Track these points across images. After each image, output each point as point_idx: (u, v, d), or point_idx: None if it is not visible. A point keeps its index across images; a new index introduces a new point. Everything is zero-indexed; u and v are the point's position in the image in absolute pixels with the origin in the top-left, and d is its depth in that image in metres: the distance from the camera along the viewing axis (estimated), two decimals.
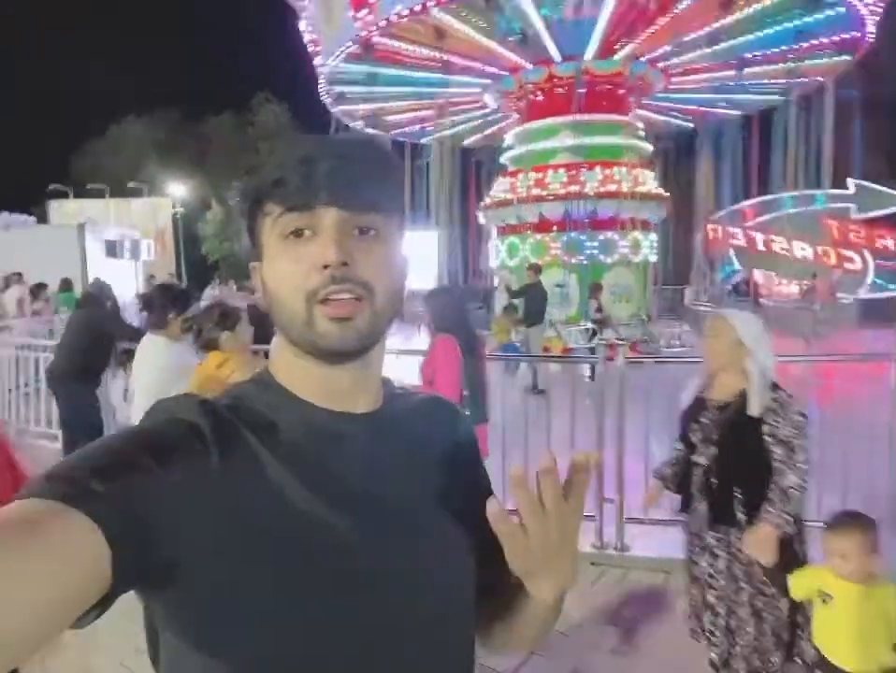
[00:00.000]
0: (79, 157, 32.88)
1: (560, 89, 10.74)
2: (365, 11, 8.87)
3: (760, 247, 17.11)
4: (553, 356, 7.57)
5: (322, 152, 0.60)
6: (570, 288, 11.01)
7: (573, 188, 10.65)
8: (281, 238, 0.61)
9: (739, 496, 2.11)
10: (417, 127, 13.94)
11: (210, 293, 9.96)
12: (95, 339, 4.31)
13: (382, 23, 8.89)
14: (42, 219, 15.69)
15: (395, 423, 0.69)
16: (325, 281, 0.59)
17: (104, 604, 0.48)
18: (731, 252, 17.33)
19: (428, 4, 8.31)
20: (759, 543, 2.03)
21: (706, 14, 8.94)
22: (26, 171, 30.67)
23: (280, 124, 31.14)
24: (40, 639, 0.43)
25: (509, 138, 12.14)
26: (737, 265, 17.45)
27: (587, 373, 5.76)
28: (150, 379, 2.70)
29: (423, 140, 15.79)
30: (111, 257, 15.30)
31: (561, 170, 10.83)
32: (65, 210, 24.47)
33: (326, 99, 11.74)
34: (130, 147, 32.39)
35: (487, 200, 12.03)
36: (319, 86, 11.10)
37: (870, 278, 16.03)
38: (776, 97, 12.43)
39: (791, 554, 2.08)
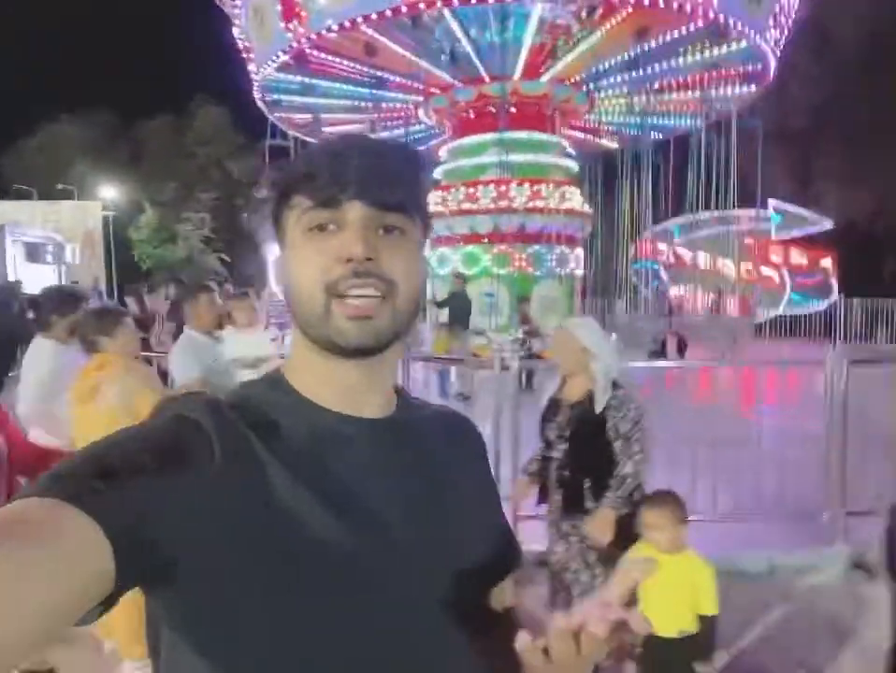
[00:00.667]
0: (8, 158, 31.35)
1: (490, 107, 11.11)
2: (295, 23, 9.00)
3: (687, 263, 18.08)
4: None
5: (353, 150, 0.60)
6: (500, 298, 11.35)
7: (502, 203, 11.01)
8: (305, 231, 0.61)
9: (588, 486, 2.38)
10: None
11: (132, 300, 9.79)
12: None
13: (313, 36, 9.03)
14: None
15: (406, 432, 0.67)
16: (346, 274, 0.58)
17: (108, 602, 0.48)
18: (660, 268, 18.23)
19: (358, 21, 8.50)
20: (598, 525, 2.28)
21: (622, 42, 9.50)
22: None
23: (219, 128, 30.62)
24: (41, 639, 0.43)
25: (442, 153, 12.45)
26: (665, 280, 18.35)
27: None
28: (35, 382, 2.75)
29: None
30: (33, 261, 14.75)
31: (491, 185, 11.18)
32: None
33: (261, 106, 11.75)
34: (61, 148, 31.14)
35: None
36: (254, 93, 11.10)
37: (787, 294, 17.17)
38: (692, 122, 13.22)
39: (633, 536, 2.35)
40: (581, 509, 2.36)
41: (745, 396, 5.82)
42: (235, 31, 10.43)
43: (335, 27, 8.76)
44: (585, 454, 2.36)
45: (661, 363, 7.17)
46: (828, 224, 17.13)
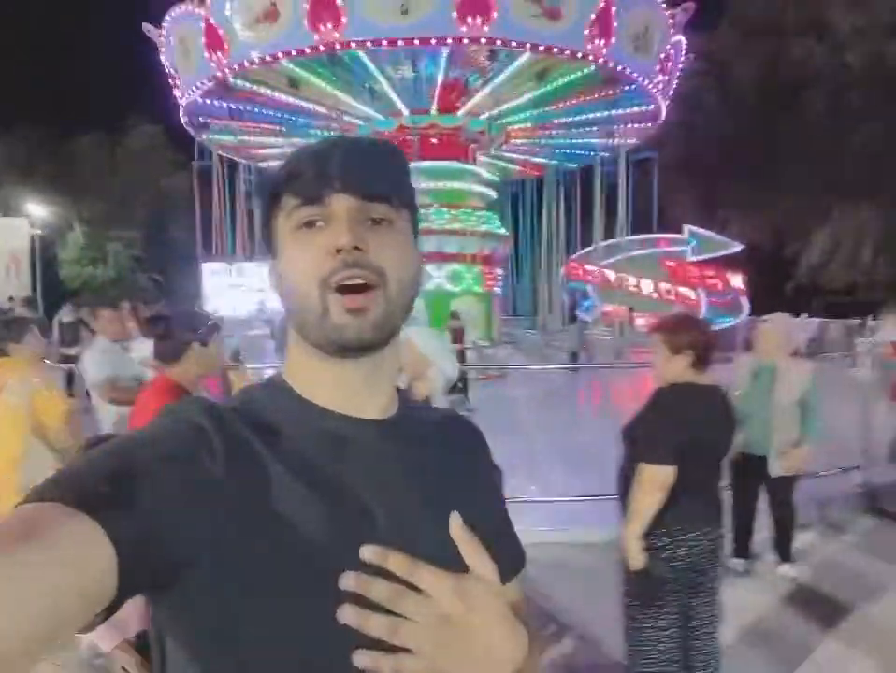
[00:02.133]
0: None
1: (411, 137, 11.85)
2: (219, 54, 9.49)
3: (612, 283, 19.28)
4: None
5: (335, 147, 0.62)
6: (419, 312, 12.00)
7: (423, 225, 11.68)
8: (294, 231, 0.61)
9: None
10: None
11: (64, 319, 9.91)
12: None
13: (236, 67, 9.54)
14: None
15: (408, 433, 0.67)
16: (337, 266, 0.59)
17: (110, 608, 0.48)
18: (589, 288, 19.37)
19: (278, 55, 9.07)
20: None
21: (526, 83, 10.43)
22: None
23: (152, 147, 30.37)
24: (45, 646, 0.43)
25: None
26: (594, 299, 19.50)
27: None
28: None
29: None
30: None
31: None
32: None
33: (188, 128, 12.12)
34: None
35: None
36: (180, 115, 11.47)
37: (703, 312, 18.52)
38: (601, 153, 14.36)
39: None
40: None
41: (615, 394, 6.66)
42: (161, 57, 10.81)
43: (257, 60, 9.30)
44: None
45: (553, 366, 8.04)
46: (738, 247, 18.67)
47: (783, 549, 4.26)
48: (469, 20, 8.65)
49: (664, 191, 19.62)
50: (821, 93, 16.36)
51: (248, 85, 10.27)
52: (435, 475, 0.67)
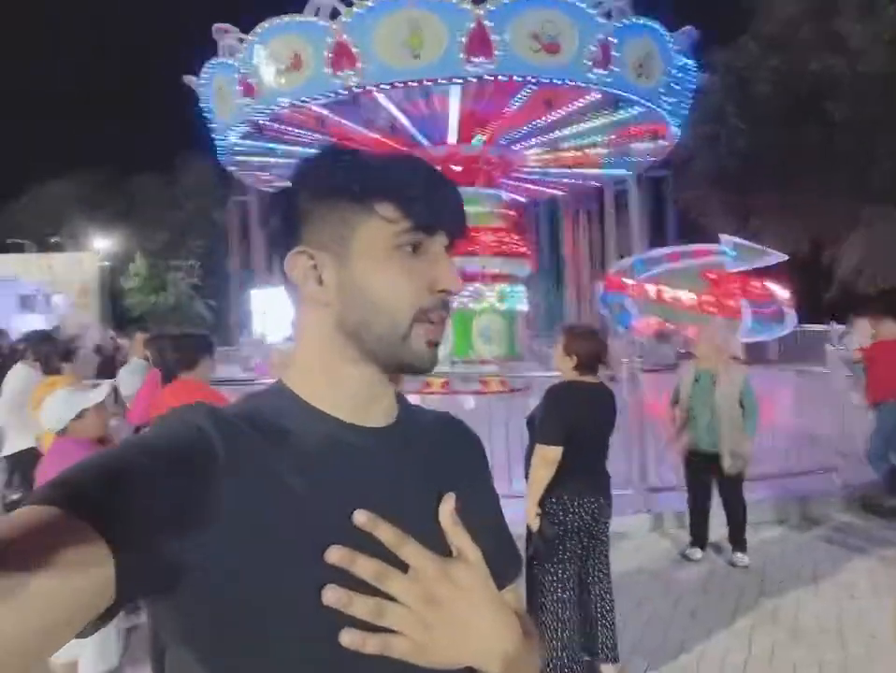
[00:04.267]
0: (5, 214, 33.04)
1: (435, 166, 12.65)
2: (251, 99, 10.55)
3: (651, 295, 19.43)
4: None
5: (441, 178, 0.65)
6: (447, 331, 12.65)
7: None
8: (394, 248, 0.62)
9: None
10: None
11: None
12: None
13: (269, 111, 10.56)
14: None
15: (407, 440, 0.69)
16: (437, 304, 0.63)
17: (108, 613, 0.49)
18: (627, 301, 19.58)
19: (305, 100, 10.04)
20: None
21: (535, 111, 11.07)
22: None
23: (205, 182, 32.29)
24: (43, 651, 0.43)
25: None
26: (633, 312, 19.68)
27: (471, 405, 7.21)
28: (9, 392, 4.01)
29: None
30: (25, 310, 16.08)
31: None
32: None
33: (228, 166, 13.27)
34: (53, 203, 32.86)
35: None
36: (219, 156, 12.62)
37: (747, 324, 18.40)
38: (622, 171, 14.80)
39: None
40: None
41: None
42: (200, 104, 11.99)
43: (286, 104, 10.28)
44: None
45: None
46: (781, 257, 18.50)
47: (736, 539, 4.67)
48: (475, 59, 9.38)
49: (695, 203, 19.80)
50: (841, 103, 16.35)
51: (279, 126, 11.29)
52: (433, 481, 0.67)
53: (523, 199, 16.38)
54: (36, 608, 0.42)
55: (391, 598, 0.57)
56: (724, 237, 18.24)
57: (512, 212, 13.67)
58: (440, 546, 0.63)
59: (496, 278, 12.91)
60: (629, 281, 19.53)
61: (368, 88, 9.67)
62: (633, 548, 4.96)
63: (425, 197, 0.62)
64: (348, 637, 0.55)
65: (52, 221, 31.98)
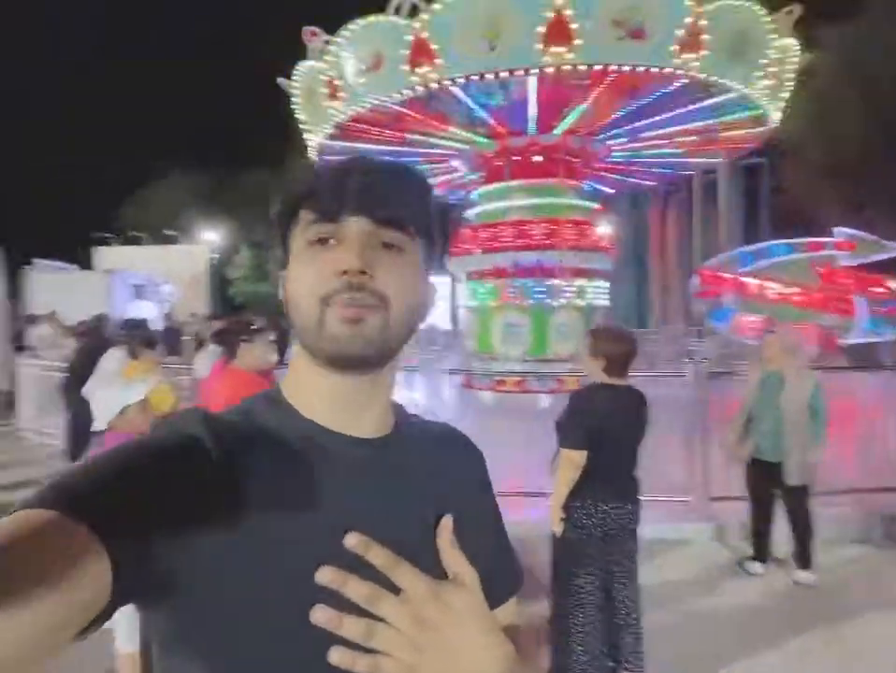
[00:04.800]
0: (125, 207, 36.27)
1: (513, 157, 12.55)
2: (336, 101, 10.92)
3: (752, 291, 18.34)
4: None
5: (356, 167, 0.65)
6: (523, 328, 12.56)
7: (522, 241, 12.32)
8: (306, 245, 0.65)
9: None
10: None
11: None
12: (89, 359, 6.15)
13: (351, 112, 10.90)
14: (87, 265, 18.02)
15: (400, 453, 0.69)
16: (339, 287, 0.62)
17: (103, 616, 0.49)
18: (725, 297, 18.60)
19: (386, 101, 10.30)
20: None
21: (619, 99, 10.70)
22: (73, 221, 34.60)
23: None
24: (39, 655, 0.43)
25: (473, 197, 13.98)
26: (731, 308, 18.68)
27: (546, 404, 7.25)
28: (103, 372, 4.45)
29: None
30: (139, 299, 17.61)
31: (513, 226, 12.53)
32: (107, 256, 27.28)
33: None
34: (170, 199, 35.63)
35: (453, 250, 13.83)
36: (308, 155, 13.17)
37: (863, 322, 16.99)
38: (713, 160, 14.01)
39: None
40: None
41: None
42: (292, 105, 12.55)
43: (367, 105, 10.58)
44: None
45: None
46: None
47: (800, 555, 4.39)
48: (553, 49, 9.20)
49: (799, 192, 18.37)
50: None
51: (359, 126, 11.62)
52: (427, 496, 0.67)
53: (607, 190, 15.87)
54: (31, 611, 0.42)
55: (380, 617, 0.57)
56: (838, 230, 16.86)
57: (594, 204, 13.32)
58: (431, 562, 0.63)
59: (575, 273, 12.64)
60: (728, 276, 18.53)
61: (445, 83, 9.73)
62: (690, 557, 4.77)
63: (327, 188, 0.64)
64: (337, 656, 0.55)
65: (168, 215, 34.68)
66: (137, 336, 4.52)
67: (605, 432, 2.83)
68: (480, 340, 13.16)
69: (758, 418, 4.37)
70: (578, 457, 2.83)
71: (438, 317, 18.41)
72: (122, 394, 2.80)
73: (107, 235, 31.34)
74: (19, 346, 11.50)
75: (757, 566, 4.47)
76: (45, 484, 0.51)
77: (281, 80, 12.55)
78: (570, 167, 12.84)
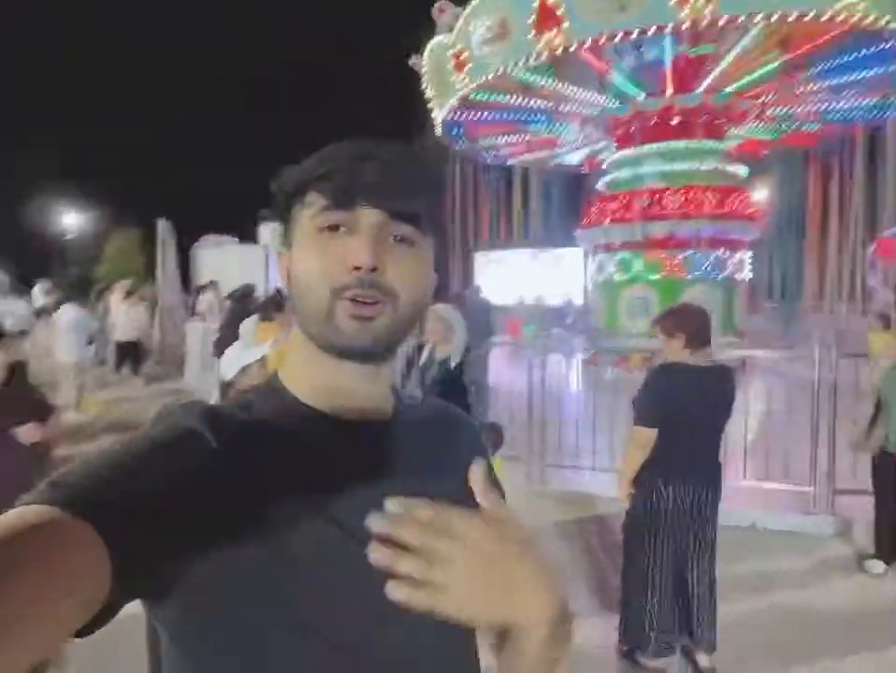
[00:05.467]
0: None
1: (648, 121, 11.90)
2: (462, 74, 11.02)
3: None
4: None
5: (373, 153, 0.62)
6: (651, 303, 12.02)
7: (654, 210, 11.71)
8: (316, 231, 0.63)
9: None
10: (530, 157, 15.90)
11: None
12: (234, 323, 6.92)
13: (477, 84, 10.94)
14: (253, 240, 19.63)
15: (406, 435, 0.69)
16: (351, 282, 0.61)
17: (107, 613, 0.49)
18: None
19: (513, 70, 10.21)
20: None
21: (767, 53, 9.68)
22: (242, 198, 38.51)
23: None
24: (39, 652, 0.43)
25: (605, 165, 13.47)
26: None
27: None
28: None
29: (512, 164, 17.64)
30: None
31: (645, 195, 11.93)
32: (271, 232, 29.66)
33: (447, 141, 14.08)
34: None
35: (582, 222, 13.47)
36: (439, 131, 13.43)
37: None
38: (881, 115, 12.24)
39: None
40: None
41: None
42: (423, 82, 12.83)
43: (493, 75, 10.55)
44: (450, 395, 3.75)
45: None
46: None
47: None
48: (691, 2, 8.54)
49: None
50: None
51: (487, 97, 11.62)
52: (426, 477, 0.66)
53: (755, 153, 14.50)
54: (30, 609, 0.42)
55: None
56: None
57: (739, 169, 12.26)
58: None
59: (713, 243, 11.80)
60: None
61: (572, 47, 9.44)
62: (805, 550, 4.46)
63: (339, 175, 0.61)
64: (394, 590, 0.50)
65: None
66: (270, 302, 5.07)
67: (678, 411, 2.75)
68: (606, 316, 12.80)
69: (888, 407, 3.95)
70: (647, 436, 2.79)
71: (571, 292, 18.07)
72: (242, 354, 3.18)
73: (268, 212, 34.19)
74: (192, 312, 13.08)
75: (878, 566, 4.07)
76: (45, 481, 0.51)
77: (413, 59, 12.88)
78: (712, 129, 11.89)
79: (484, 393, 3.74)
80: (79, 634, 0.48)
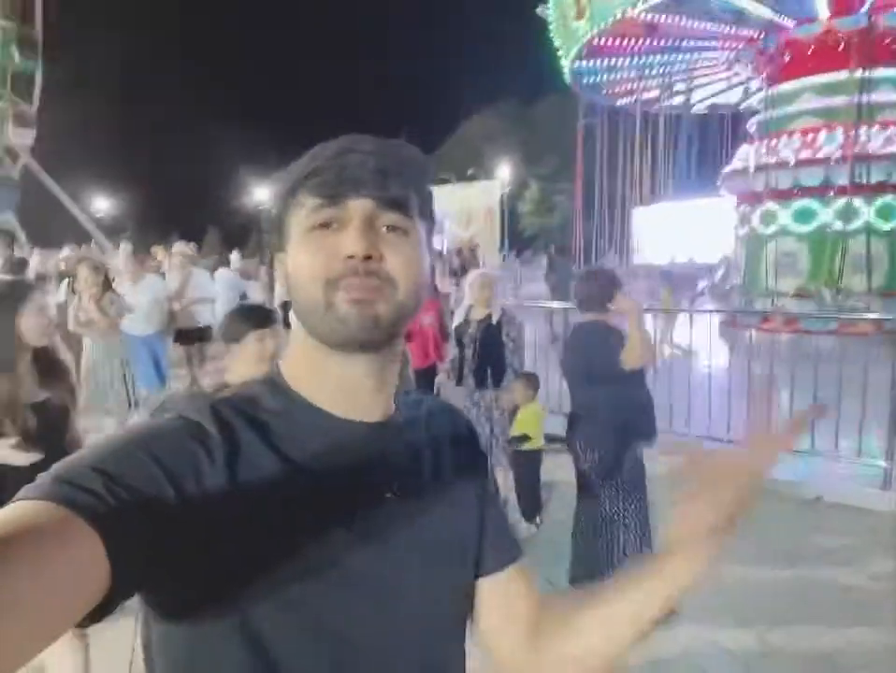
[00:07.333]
0: (441, 151, 40.30)
1: (801, 51, 10.53)
2: (584, 21, 10.58)
3: None
4: None
5: (357, 148, 0.62)
6: (800, 259, 10.77)
7: (805, 154, 10.40)
8: (308, 229, 0.62)
9: (489, 371, 3.77)
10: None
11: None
12: None
13: (600, 28, 10.46)
14: None
15: (400, 435, 0.69)
16: (345, 271, 0.60)
17: (106, 608, 0.49)
18: None
19: (629, 11, 9.64)
20: (511, 394, 3.86)
21: None
22: None
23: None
24: (38, 645, 0.43)
25: (755, 104, 12.17)
26: None
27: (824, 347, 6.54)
28: None
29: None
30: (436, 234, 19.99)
31: (797, 135, 10.61)
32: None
33: (576, 91, 13.65)
34: (472, 138, 38.30)
35: (728, 168, 12.36)
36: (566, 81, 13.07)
37: None
38: None
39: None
40: (485, 386, 3.80)
41: None
42: (550, 31, 12.51)
43: (616, 17, 10.05)
44: (489, 352, 3.80)
45: None
46: None
47: None
48: None
49: None
50: None
51: (611, 42, 11.05)
52: (424, 476, 0.69)
53: None
54: (29, 604, 0.42)
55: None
56: None
57: None
58: (448, 539, 0.68)
59: (877, 188, 10.18)
60: None
61: None
62: (869, 527, 3.98)
63: (328, 170, 0.62)
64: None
65: (471, 154, 37.50)
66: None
67: None
68: (749, 274, 11.64)
69: None
70: None
71: (706, 250, 16.39)
72: None
73: None
74: None
75: None
76: (44, 474, 0.51)
77: (540, 9, 12.58)
78: (878, 55, 10.12)
79: (520, 348, 4.03)
80: (80, 624, 0.49)
